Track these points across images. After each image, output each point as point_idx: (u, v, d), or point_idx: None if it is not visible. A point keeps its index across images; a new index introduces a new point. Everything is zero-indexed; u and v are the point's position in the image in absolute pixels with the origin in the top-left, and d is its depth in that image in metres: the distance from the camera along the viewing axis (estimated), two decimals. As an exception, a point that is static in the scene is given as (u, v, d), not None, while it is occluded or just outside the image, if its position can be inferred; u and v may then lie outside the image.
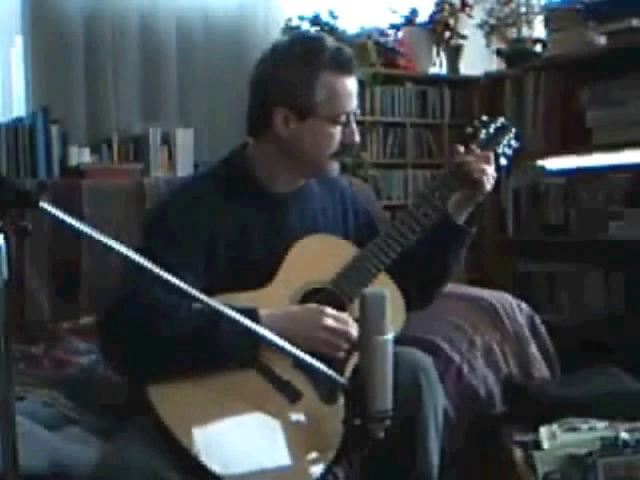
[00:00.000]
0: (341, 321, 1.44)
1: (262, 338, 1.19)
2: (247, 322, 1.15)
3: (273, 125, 1.51)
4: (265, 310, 1.40)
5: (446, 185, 1.59)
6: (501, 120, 1.70)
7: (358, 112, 1.57)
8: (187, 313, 1.34)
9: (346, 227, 1.67)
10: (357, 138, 1.56)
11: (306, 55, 1.50)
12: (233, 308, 1.15)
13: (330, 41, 1.54)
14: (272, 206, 1.56)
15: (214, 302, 1.12)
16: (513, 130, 1.70)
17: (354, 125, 1.55)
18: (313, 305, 1.46)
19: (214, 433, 1.33)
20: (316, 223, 1.62)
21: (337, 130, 1.52)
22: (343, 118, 1.52)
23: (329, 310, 1.45)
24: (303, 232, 1.56)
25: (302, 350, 1.33)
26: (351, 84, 1.53)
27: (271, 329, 1.31)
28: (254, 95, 1.56)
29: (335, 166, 1.58)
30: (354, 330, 1.41)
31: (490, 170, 1.58)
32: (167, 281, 1.07)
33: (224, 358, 1.36)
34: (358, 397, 1.20)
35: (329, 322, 1.42)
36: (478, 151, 1.60)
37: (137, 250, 1.08)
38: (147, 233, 1.50)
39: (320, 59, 1.50)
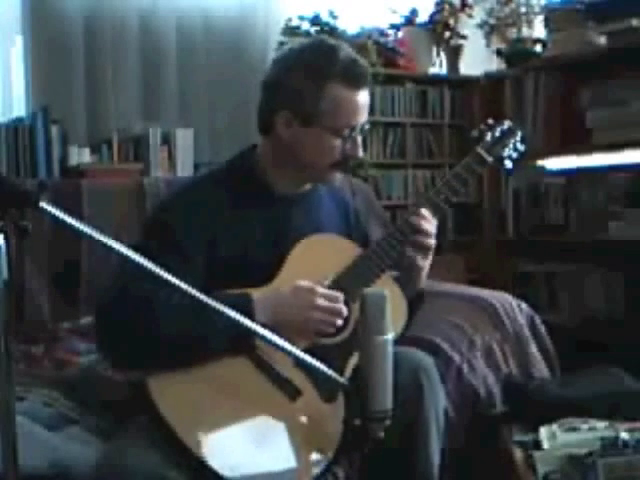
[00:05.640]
0: (332, 298, 1.45)
1: (254, 332, 1.19)
2: (238, 315, 1.15)
3: (276, 126, 1.52)
4: (257, 293, 1.41)
5: (451, 186, 1.59)
6: (507, 123, 1.69)
7: (368, 126, 1.55)
8: (179, 302, 1.33)
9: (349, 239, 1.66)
10: (360, 153, 1.54)
11: (316, 63, 1.49)
12: (226, 295, 1.16)
13: (346, 52, 1.52)
14: (275, 206, 1.56)
15: (205, 296, 1.12)
16: (519, 133, 1.70)
17: (359, 139, 1.53)
18: (304, 283, 1.45)
19: (214, 430, 1.33)
20: (320, 226, 1.61)
21: (338, 142, 1.51)
22: (346, 132, 1.51)
23: (320, 289, 1.45)
24: (306, 232, 1.55)
25: (297, 329, 1.35)
26: (362, 98, 1.51)
27: (265, 313, 1.31)
28: (263, 95, 1.56)
29: (336, 176, 1.57)
30: (343, 306, 1.46)
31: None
32: (160, 277, 1.07)
33: (219, 344, 1.35)
34: (358, 397, 1.21)
35: (320, 301, 1.43)
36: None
37: (135, 247, 1.09)
38: (147, 232, 1.50)
39: (330, 69, 1.48)
